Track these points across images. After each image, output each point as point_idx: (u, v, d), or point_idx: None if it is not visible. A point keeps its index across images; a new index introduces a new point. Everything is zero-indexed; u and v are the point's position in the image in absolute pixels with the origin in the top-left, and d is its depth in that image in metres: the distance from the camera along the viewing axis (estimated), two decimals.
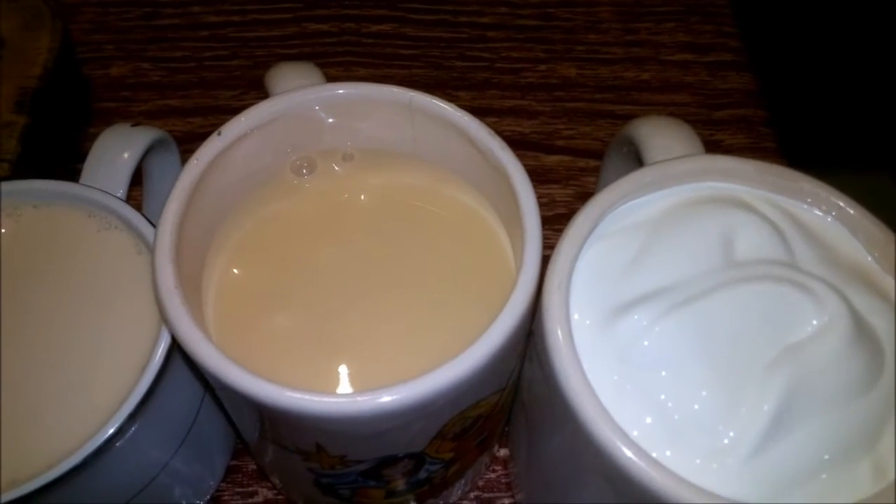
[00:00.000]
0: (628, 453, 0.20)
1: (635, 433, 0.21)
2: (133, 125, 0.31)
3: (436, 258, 0.27)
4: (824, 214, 0.25)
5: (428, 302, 0.26)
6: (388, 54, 0.49)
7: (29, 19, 0.41)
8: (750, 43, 0.50)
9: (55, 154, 0.41)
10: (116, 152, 0.30)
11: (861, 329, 0.21)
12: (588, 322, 0.22)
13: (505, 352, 0.22)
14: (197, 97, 0.46)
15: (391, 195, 0.28)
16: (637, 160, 0.28)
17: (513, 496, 0.33)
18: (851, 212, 0.24)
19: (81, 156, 0.42)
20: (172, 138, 0.32)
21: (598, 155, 0.45)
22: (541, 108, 0.47)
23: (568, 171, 0.44)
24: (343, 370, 0.25)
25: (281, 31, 0.49)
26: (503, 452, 0.34)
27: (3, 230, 0.28)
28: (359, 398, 0.20)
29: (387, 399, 0.20)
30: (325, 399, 0.20)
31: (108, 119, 0.44)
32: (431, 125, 0.27)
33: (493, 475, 0.34)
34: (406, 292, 0.26)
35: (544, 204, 0.42)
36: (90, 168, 0.29)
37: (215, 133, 0.25)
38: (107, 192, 0.28)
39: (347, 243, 0.27)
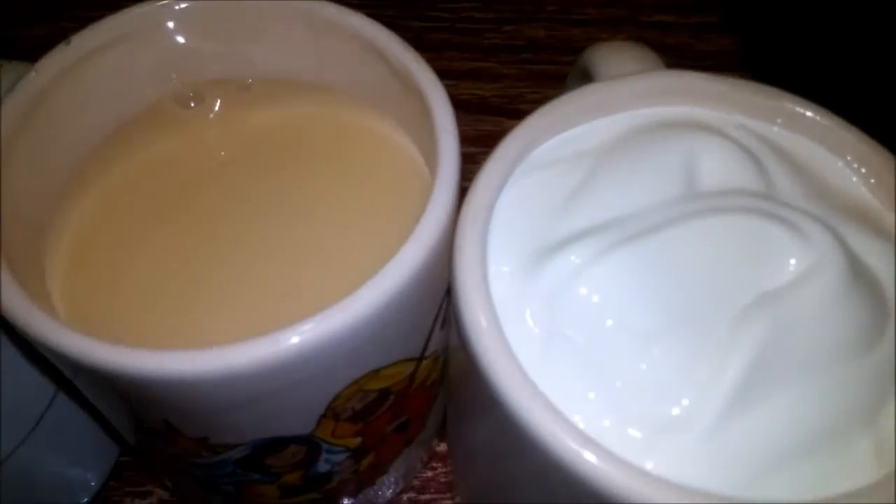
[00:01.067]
0: (562, 436, 0.15)
1: (568, 405, 0.16)
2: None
3: (339, 192, 0.22)
4: (810, 140, 0.20)
5: (328, 241, 0.21)
6: None
7: None
8: (733, 3, 0.46)
9: None
10: None
11: (857, 272, 0.17)
12: (510, 268, 0.18)
13: (406, 296, 0.17)
14: None
15: (290, 129, 0.24)
16: None
17: (452, 498, 0.28)
18: (845, 134, 0.20)
19: None
20: None
21: None
22: (505, 70, 0.42)
23: None
24: (216, 325, 0.20)
25: None
26: (443, 447, 0.29)
27: None
28: (192, 353, 0.15)
29: (230, 353, 0.15)
30: (143, 354, 0.15)
31: None
32: (339, 43, 0.22)
33: (430, 473, 0.29)
34: (303, 231, 0.22)
35: None
36: None
37: (63, 42, 0.21)
38: None
39: (237, 182, 0.23)
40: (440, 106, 0.20)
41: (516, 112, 0.41)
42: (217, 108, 0.24)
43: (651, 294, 0.17)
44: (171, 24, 0.22)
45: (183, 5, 0.22)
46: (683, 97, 0.21)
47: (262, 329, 0.17)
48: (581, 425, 0.15)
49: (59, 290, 0.21)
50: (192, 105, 0.24)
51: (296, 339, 0.16)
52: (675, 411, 0.15)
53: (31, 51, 0.41)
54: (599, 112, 0.20)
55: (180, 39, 0.22)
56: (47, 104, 0.20)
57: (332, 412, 0.19)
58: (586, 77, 0.24)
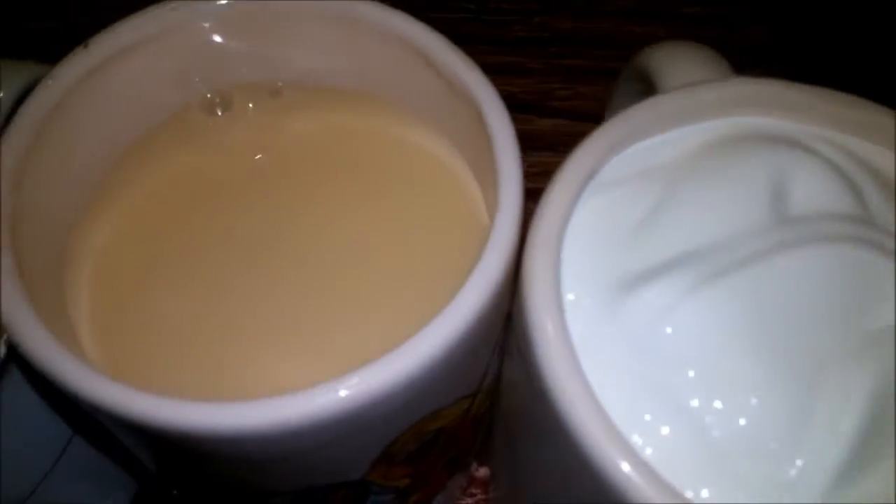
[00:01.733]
0: (647, 489, 0.13)
1: (655, 456, 0.14)
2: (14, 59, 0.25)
3: (386, 221, 0.20)
4: None
5: (374, 278, 0.20)
6: None
7: None
8: None
9: None
10: None
11: None
12: (587, 301, 0.16)
13: (471, 339, 0.15)
14: None
15: (328, 141, 0.22)
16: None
17: None
18: None
19: None
20: None
21: (600, 118, 0.38)
22: (534, 65, 0.40)
23: (564, 137, 0.38)
24: (258, 372, 0.18)
25: None
26: (483, 472, 0.28)
27: None
28: (244, 406, 0.14)
29: (284, 406, 0.14)
30: (190, 407, 0.14)
31: None
32: (380, 47, 0.20)
33: (470, 500, 0.27)
34: (346, 267, 0.20)
35: (536, 174, 0.35)
36: None
37: (81, 46, 0.19)
38: None
39: (272, 204, 0.21)
40: (498, 122, 0.18)
41: (547, 109, 0.39)
42: (246, 115, 0.22)
43: (745, 337, 0.15)
44: (197, 25, 0.20)
45: (210, 3, 0.20)
46: (761, 107, 0.19)
47: (309, 374, 0.15)
48: (677, 484, 0.14)
49: (83, 322, 0.19)
50: (220, 112, 0.22)
51: (354, 389, 0.14)
52: (791, 473, 0.14)
53: (40, 45, 0.40)
54: (670, 124, 0.18)
55: (207, 40, 0.20)
56: (65, 114, 0.18)
57: (386, 457, 0.17)
58: (644, 80, 0.22)
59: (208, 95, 0.22)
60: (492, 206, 0.19)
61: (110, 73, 0.19)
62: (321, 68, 0.22)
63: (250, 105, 0.22)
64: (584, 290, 0.16)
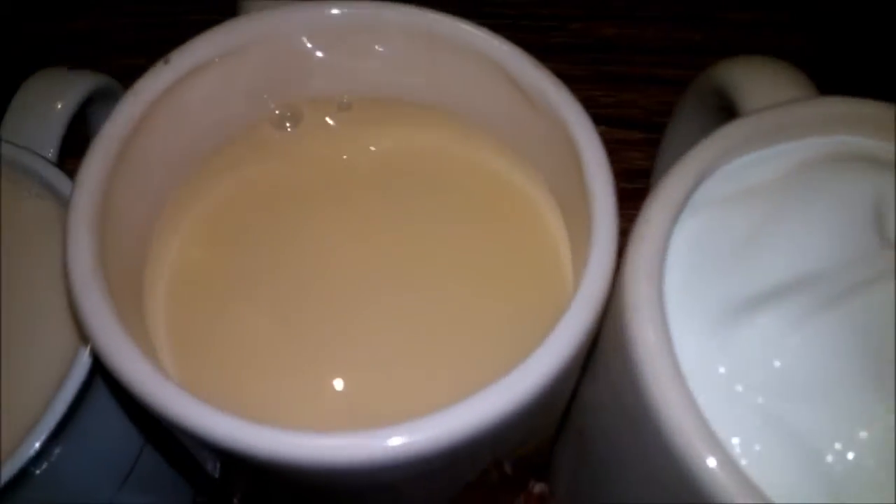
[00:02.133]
0: None
1: (765, 484, 0.14)
2: (70, 69, 0.24)
3: (461, 245, 0.20)
4: None
5: (453, 305, 0.19)
6: None
7: None
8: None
9: None
10: (47, 102, 0.23)
11: None
12: (693, 328, 0.15)
13: (566, 373, 0.15)
14: None
15: (400, 159, 0.21)
16: (725, 115, 0.21)
17: None
18: None
19: None
20: (121, 86, 0.26)
21: (645, 125, 0.38)
22: (575, 72, 0.40)
23: (608, 144, 0.37)
24: (336, 396, 0.18)
25: None
26: (539, 488, 0.27)
27: None
28: (361, 440, 0.13)
29: (398, 442, 0.13)
30: (312, 441, 0.13)
31: None
32: (457, 61, 0.20)
33: None
34: (421, 292, 0.19)
35: None
36: (13, 121, 0.23)
37: (161, 61, 0.18)
38: (31, 151, 0.21)
39: (344, 223, 0.20)
40: (589, 146, 0.17)
41: (591, 117, 0.39)
42: (316, 129, 0.22)
43: (859, 368, 0.15)
44: (274, 38, 0.20)
45: (290, 15, 0.19)
46: (856, 126, 0.18)
47: (396, 403, 0.15)
48: None
49: (160, 334, 0.18)
50: (290, 126, 0.21)
51: (447, 427, 0.14)
52: None
53: (71, 46, 0.39)
54: (764, 143, 0.18)
55: (283, 54, 0.20)
56: (146, 129, 0.18)
57: (467, 488, 0.17)
58: (719, 96, 0.21)
59: (279, 109, 0.21)
60: (576, 234, 0.19)
61: (188, 88, 0.19)
62: (393, 82, 0.21)
63: (320, 119, 0.22)
64: (688, 317, 0.16)
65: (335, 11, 0.20)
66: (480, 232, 0.20)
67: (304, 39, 0.20)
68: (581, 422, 0.20)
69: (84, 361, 0.18)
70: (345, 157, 0.22)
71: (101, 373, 0.18)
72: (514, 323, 0.19)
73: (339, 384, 0.18)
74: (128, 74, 0.37)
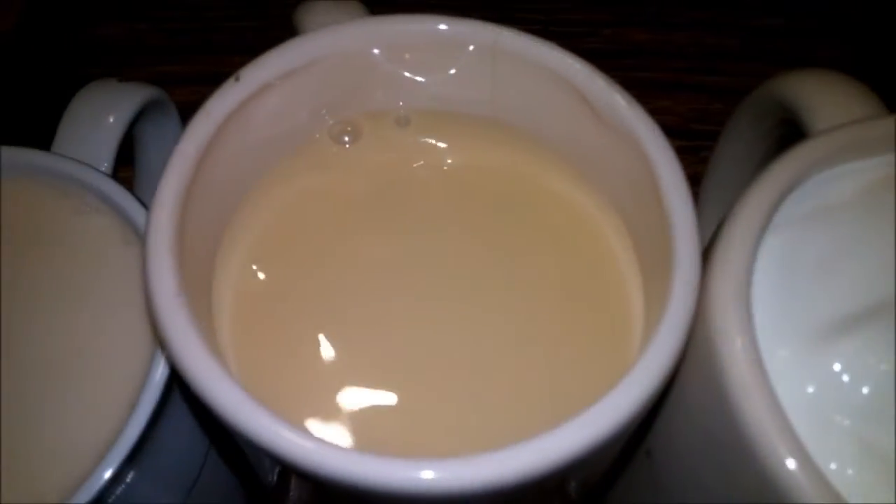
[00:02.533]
0: None
1: None
2: (120, 80, 0.24)
3: (521, 266, 0.20)
4: None
5: (515, 332, 0.19)
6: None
7: None
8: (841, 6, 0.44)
9: (32, 129, 0.34)
10: (100, 114, 0.23)
11: None
12: (782, 353, 0.15)
13: (653, 401, 0.15)
14: (201, 63, 0.39)
15: (461, 174, 0.21)
16: (785, 128, 0.21)
17: None
18: None
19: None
20: (168, 97, 0.26)
21: (682, 133, 0.38)
22: None
23: None
24: (395, 417, 0.18)
25: None
26: None
27: None
28: (457, 467, 0.13)
29: (481, 470, 0.13)
30: (413, 469, 0.13)
31: None
32: (522, 76, 0.20)
33: None
34: (484, 316, 0.19)
35: None
36: (66, 134, 0.22)
37: (231, 78, 0.18)
38: (87, 165, 0.21)
39: (408, 238, 0.20)
40: (667, 170, 0.17)
41: None
42: (376, 144, 0.21)
43: None
44: (339, 54, 0.19)
45: (359, 30, 0.19)
46: None
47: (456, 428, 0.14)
48: None
49: (227, 348, 0.18)
50: (348, 141, 0.21)
51: (539, 455, 0.14)
52: None
53: (103, 51, 0.39)
54: (842, 160, 0.18)
55: (347, 69, 0.20)
56: (217, 145, 0.18)
57: None
58: (783, 109, 0.21)
59: (339, 123, 0.21)
60: (648, 260, 0.18)
61: (256, 105, 0.19)
62: (454, 96, 0.21)
63: (380, 133, 0.21)
64: (775, 339, 0.16)
65: (402, 27, 0.19)
66: (543, 252, 0.20)
67: (370, 55, 0.20)
68: (650, 444, 0.20)
69: (157, 382, 0.18)
70: (405, 171, 0.21)
71: (177, 385, 0.18)
72: (574, 351, 0.18)
73: (397, 404, 0.18)
74: (160, 81, 0.37)
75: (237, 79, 0.18)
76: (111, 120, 0.23)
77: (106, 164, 0.22)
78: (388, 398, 0.18)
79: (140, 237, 0.20)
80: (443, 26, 0.19)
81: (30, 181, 0.21)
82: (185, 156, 0.17)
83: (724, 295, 0.16)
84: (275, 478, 0.19)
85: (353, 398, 0.18)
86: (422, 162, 0.21)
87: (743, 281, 0.16)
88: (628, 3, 0.42)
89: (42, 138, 0.34)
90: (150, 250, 0.16)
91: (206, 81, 0.39)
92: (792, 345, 0.15)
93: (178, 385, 0.18)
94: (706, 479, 0.17)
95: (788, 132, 0.22)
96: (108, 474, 0.16)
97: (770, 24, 0.42)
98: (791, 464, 0.14)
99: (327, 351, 0.19)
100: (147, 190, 0.26)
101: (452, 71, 0.20)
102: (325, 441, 0.14)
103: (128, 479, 0.17)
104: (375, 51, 0.20)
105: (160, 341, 0.15)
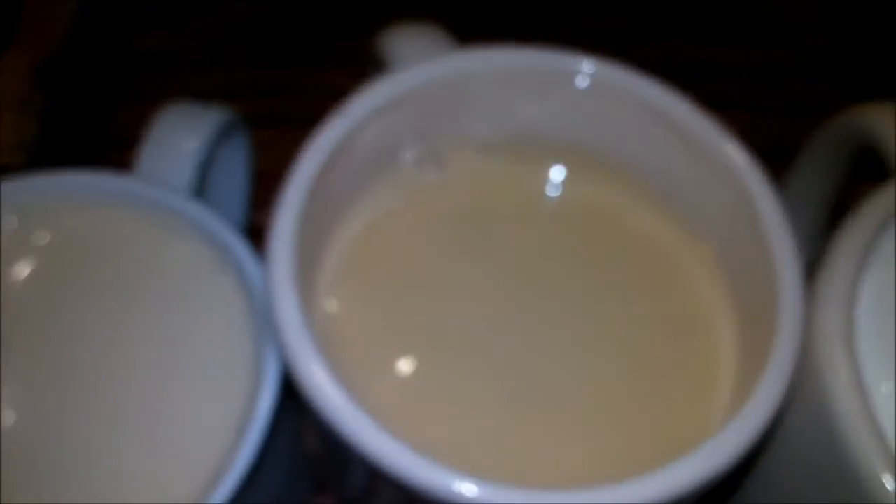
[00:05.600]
0: None
1: None
2: (197, 104, 0.24)
3: (605, 305, 0.20)
4: None
5: (603, 374, 0.19)
6: (468, 28, 0.42)
7: None
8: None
9: (78, 141, 0.34)
10: (182, 138, 0.23)
11: None
12: (884, 390, 0.16)
13: (764, 436, 0.16)
14: (246, 75, 0.39)
15: (545, 203, 0.21)
16: (863, 156, 0.22)
17: None
18: None
19: (109, 142, 0.36)
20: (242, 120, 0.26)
21: None
22: None
23: None
24: (490, 446, 0.18)
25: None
26: None
27: (43, 238, 0.21)
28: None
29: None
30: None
31: (143, 99, 0.37)
32: (611, 106, 0.20)
33: None
34: (573, 344, 0.19)
35: None
36: (148, 159, 0.22)
37: (336, 114, 0.19)
38: (175, 190, 0.21)
39: (491, 263, 0.21)
40: (770, 212, 0.17)
41: None
42: (461, 171, 0.22)
43: None
44: (436, 85, 0.20)
45: (453, 64, 0.20)
46: None
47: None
48: None
49: None
50: (433, 166, 0.22)
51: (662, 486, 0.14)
52: None
53: (148, 63, 0.39)
54: None
55: (441, 99, 0.20)
56: (322, 179, 0.18)
57: None
58: (861, 140, 0.22)
59: (425, 151, 0.21)
60: (743, 293, 0.19)
61: (357, 136, 0.19)
62: (540, 124, 0.21)
63: (464, 159, 0.22)
64: (877, 376, 0.16)
65: (497, 59, 0.20)
66: (628, 282, 0.20)
67: (462, 86, 0.20)
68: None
69: (262, 414, 0.18)
70: (489, 199, 0.22)
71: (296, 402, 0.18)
72: (660, 387, 0.19)
73: (485, 431, 0.18)
74: (206, 95, 0.37)
75: (342, 114, 0.18)
76: (194, 144, 0.23)
77: (190, 188, 0.22)
78: (475, 423, 0.18)
79: (234, 265, 0.20)
80: (538, 58, 0.20)
81: (116, 207, 0.21)
82: (297, 188, 0.17)
83: (829, 327, 0.16)
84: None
85: (441, 423, 0.18)
86: (507, 189, 0.22)
87: (848, 314, 0.16)
88: (678, 19, 0.43)
89: (95, 151, 0.34)
90: (273, 282, 0.16)
91: (244, 94, 0.39)
92: (893, 380, 0.16)
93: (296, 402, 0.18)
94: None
95: (862, 162, 0.22)
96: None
97: (817, 42, 0.42)
98: (890, 484, 0.14)
99: (412, 373, 0.19)
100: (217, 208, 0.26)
101: (540, 100, 0.21)
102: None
103: None
104: (467, 83, 0.20)
105: (295, 378, 0.15)
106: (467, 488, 0.14)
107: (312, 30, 0.41)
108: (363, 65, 0.40)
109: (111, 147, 0.36)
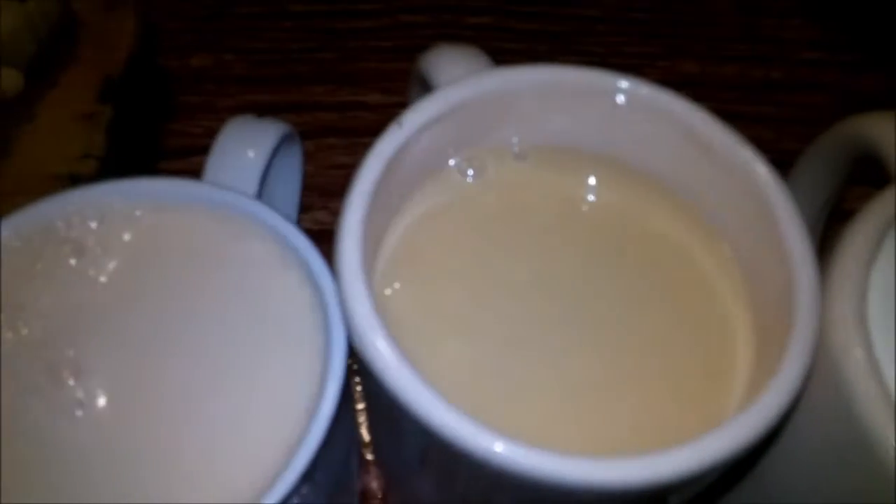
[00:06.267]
0: None
1: None
2: (256, 117, 0.27)
3: (635, 307, 0.22)
4: None
5: (626, 372, 0.21)
6: (491, 48, 0.44)
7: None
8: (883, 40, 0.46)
9: (136, 152, 0.36)
10: (245, 148, 0.25)
11: None
12: (892, 373, 0.18)
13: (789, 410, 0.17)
14: (286, 92, 0.41)
15: (576, 207, 0.23)
16: (862, 164, 0.23)
17: None
18: None
19: (164, 153, 0.38)
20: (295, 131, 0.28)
21: None
22: None
23: None
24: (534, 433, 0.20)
25: (372, 22, 0.45)
26: None
27: (124, 238, 0.23)
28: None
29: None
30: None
31: (192, 114, 0.39)
32: (641, 121, 0.22)
33: None
34: (602, 340, 0.21)
35: None
36: (215, 166, 0.25)
37: (394, 123, 0.21)
38: (243, 194, 0.24)
39: (526, 263, 0.23)
40: (791, 229, 0.19)
41: None
42: (498, 177, 0.24)
43: None
44: (482, 100, 0.22)
45: (497, 80, 0.22)
46: None
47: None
48: None
49: None
50: (472, 174, 0.24)
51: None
52: None
53: (197, 82, 0.42)
54: None
55: (484, 112, 0.22)
56: (383, 183, 0.20)
57: None
58: (860, 148, 0.23)
59: (465, 158, 0.23)
60: (760, 291, 0.20)
61: (411, 145, 0.21)
62: (572, 135, 0.23)
63: (501, 166, 0.24)
64: (887, 361, 0.18)
65: (539, 75, 0.22)
66: (653, 283, 0.22)
67: (501, 102, 0.22)
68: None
69: (331, 398, 0.19)
70: (526, 202, 0.24)
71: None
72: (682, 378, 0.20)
73: (533, 413, 0.20)
74: (248, 109, 0.39)
75: (400, 125, 0.21)
76: (256, 153, 0.25)
77: (253, 193, 0.24)
78: (523, 405, 0.20)
79: (298, 262, 0.22)
80: (580, 75, 0.22)
81: (190, 209, 0.24)
82: (361, 193, 0.19)
83: (843, 312, 0.18)
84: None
85: (491, 401, 0.20)
86: (544, 195, 0.24)
87: (860, 300, 0.18)
88: (680, 37, 0.45)
89: (148, 161, 0.37)
90: (344, 280, 0.18)
91: (289, 109, 0.42)
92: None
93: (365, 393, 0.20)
94: (824, 477, 0.19)
95: (867, 167, 0.24)
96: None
97: (814, 58, 0.45)
98: None
99: (457, 351, 0.21)
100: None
101: (578, 114, 0.23)
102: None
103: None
104: (510, 97, 0.22)
105: (370, 367, 0.17)
106: (514, 451, 0.16)
107: (347, 52, 0.43)
108: (392, 83, 0.42)
109: (162, 158, 0.39)
